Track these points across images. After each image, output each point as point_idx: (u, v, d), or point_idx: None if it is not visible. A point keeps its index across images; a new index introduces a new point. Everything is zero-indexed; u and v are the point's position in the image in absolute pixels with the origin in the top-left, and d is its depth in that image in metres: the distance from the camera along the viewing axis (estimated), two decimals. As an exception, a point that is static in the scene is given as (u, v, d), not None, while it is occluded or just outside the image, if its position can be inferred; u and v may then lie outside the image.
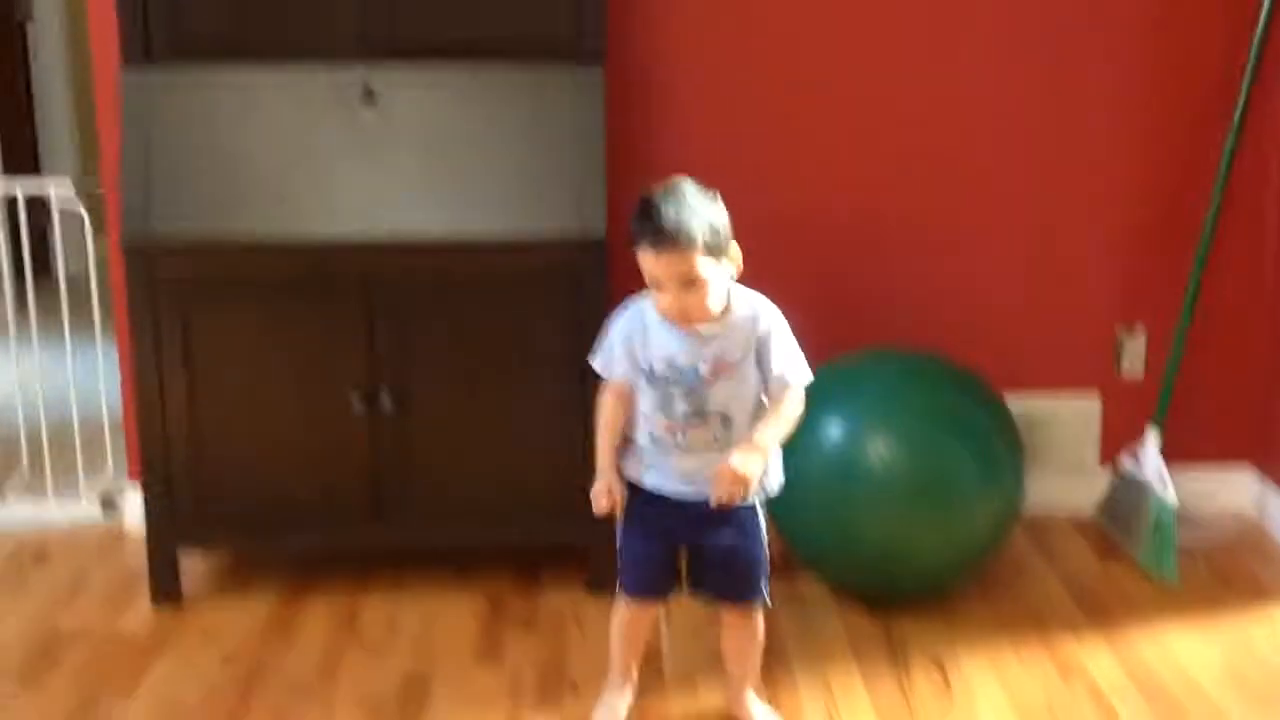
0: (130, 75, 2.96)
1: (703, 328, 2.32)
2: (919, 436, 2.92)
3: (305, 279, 3.00)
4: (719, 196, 2.33)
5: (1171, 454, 3.34)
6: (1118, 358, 3.50)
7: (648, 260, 2.26)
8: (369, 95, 2.95)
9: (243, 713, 2.68)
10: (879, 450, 2.91)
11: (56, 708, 2.70)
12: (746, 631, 2.55)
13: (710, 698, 2.68)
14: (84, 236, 3.57)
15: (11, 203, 3.71)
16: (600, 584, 3.12)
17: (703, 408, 2.34)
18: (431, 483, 3.09)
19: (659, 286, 2.28)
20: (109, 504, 3.65)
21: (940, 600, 3.06)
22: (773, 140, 3.37)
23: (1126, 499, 3.37)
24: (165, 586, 3.13)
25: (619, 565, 2.52)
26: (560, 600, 3.12)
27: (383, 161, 2.97)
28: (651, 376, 2.36)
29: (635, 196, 3.21)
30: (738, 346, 2.33)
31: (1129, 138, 3.41)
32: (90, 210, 3.60)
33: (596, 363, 2.49)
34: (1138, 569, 3.22)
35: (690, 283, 2.25)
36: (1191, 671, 2.77)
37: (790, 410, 2.37)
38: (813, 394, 3.01)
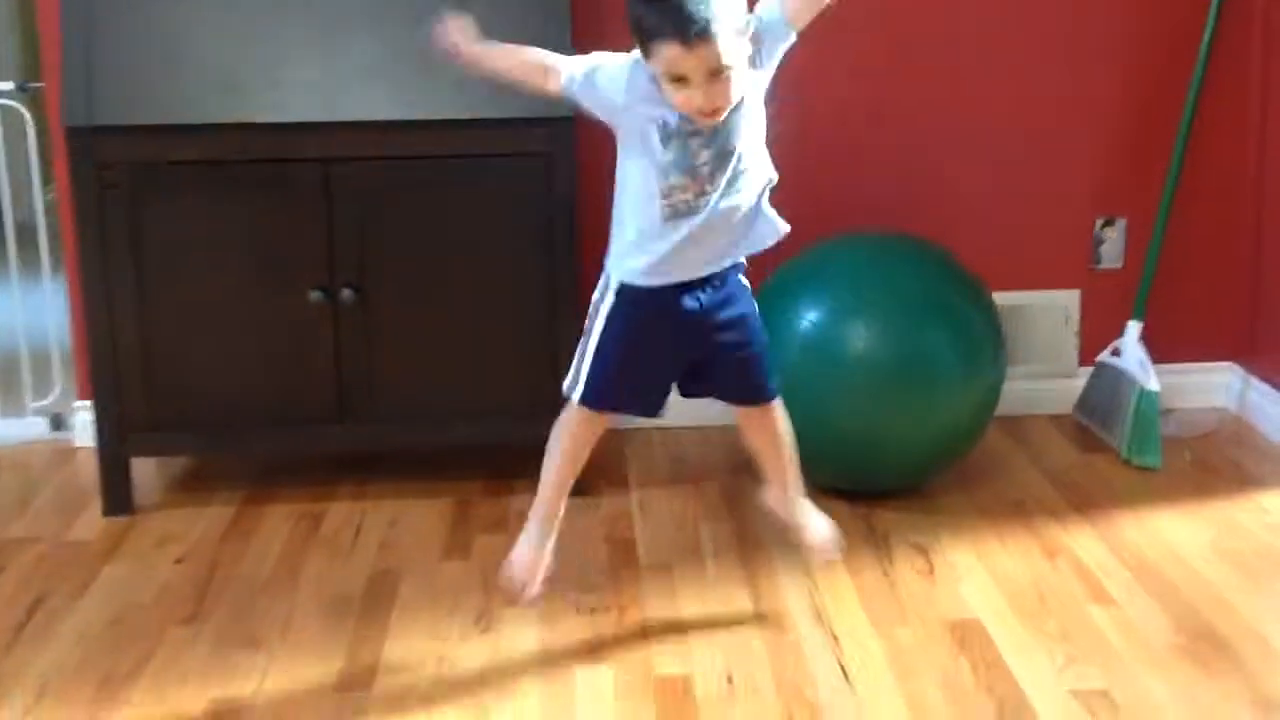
0: (71, -45, 2.84)
1: None
2: (897, 320, 2.84)
3: (257, 165, 2.88)
4: None
5: (1153, 352, 3.27)
6: (1096, 252, 3.43)
7: (672, 56, 2.02)
8: (321, -30, 2.83)
9: (199, 611, 2.57)
10: (856, 335, 2.82)
11: (4, 610, 2.58)
12: (769, 422, 2.42)
13: (689, 596, 2.59)
14: (25, 139, 3.44)
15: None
16: (572, 487, 3.03)
17: (726, 144, 2.14)
18: (396, 381, 2.99)
19: (683, 82, 2.05)
20: (58, 423, 3.53)
21: (919, 492, 2.98)
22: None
23: (1107, 391, 3.31)
24: (117, 496, 3.01)
25: (584, 371, 2.31)
26: (529, 503, 3.01)
27: (337, 43, 2.85)
28: (667, 131, 2.13)
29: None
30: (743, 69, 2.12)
31: (1109, 35, 3.33)
32: (33, 112, 3.46)
33: (565, 62, 2.26)
34: (1119, 460, 3.16)
35: (719, 72, 2.04)
36: (1179, 550, 2.71)
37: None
38: (786, 278, 2.93)
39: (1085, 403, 3.41)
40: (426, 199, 2.91)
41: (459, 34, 2.31)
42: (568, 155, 2.87)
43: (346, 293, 2.92)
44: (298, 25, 2.86)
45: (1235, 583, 2.58)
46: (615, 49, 2.27)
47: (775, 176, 2.27)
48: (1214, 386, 3.49)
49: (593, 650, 2.40)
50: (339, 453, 3.21)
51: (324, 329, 2.95)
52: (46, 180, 3.56)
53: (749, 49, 2.12)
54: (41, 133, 3.43)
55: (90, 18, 2.83)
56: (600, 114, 2.24)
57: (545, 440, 3.01)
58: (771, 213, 2.28)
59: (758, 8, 2.18)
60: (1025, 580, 2.61)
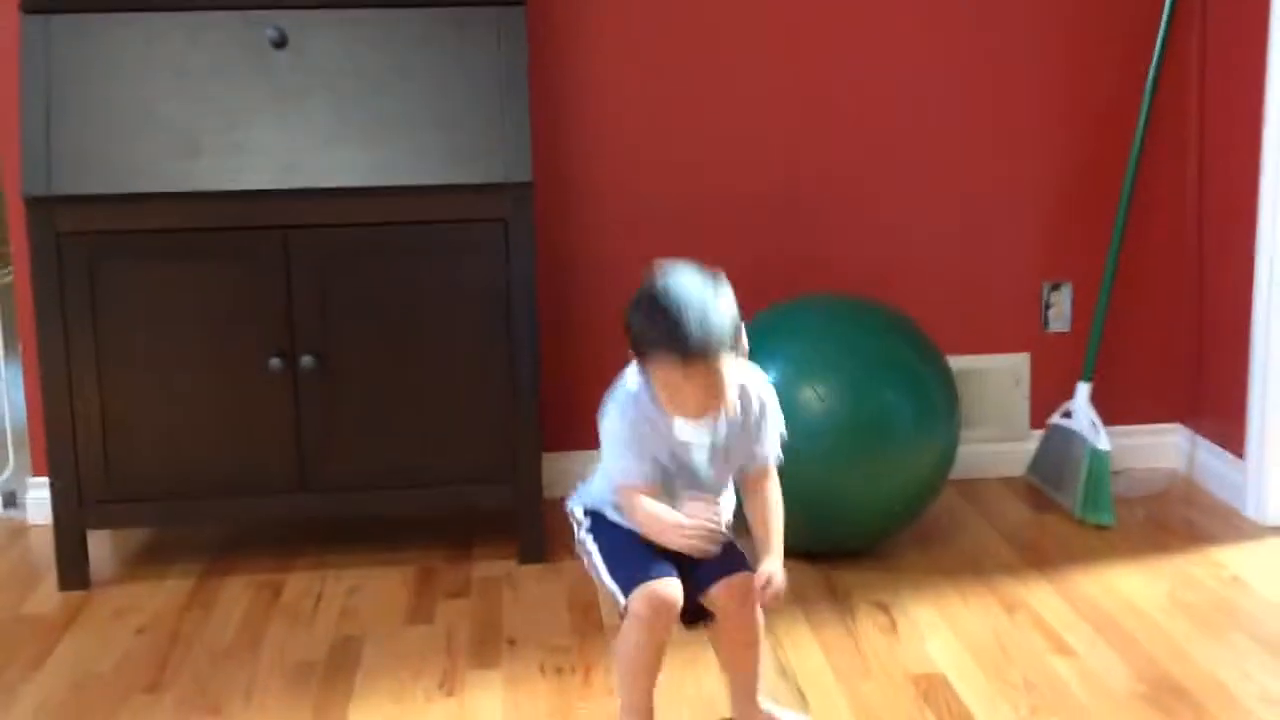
0: (30, 22, 2.85)
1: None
2: (855, 381, 2.88)
3: (218, 233, 2.90)
4: (723, 278, 2.11)
5: (1102, 413, 3.33)
6: (1045, 316, 3.50)
7: (671, 371, 2.04)
8: (281, 40, 2.86)
9: (161, 680, 2.55)
10: (816, 395, 2.86)
11: (-40, 683, 2.55)
12: (746, 618, 2.23)
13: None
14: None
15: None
16: (532, 554, 3.04)
17: (701, 487, 2.17)
18: (356, 448, 2.98)
19: (677, 392, 2.07)
20: (10, 500, 3.49)
21: (878, 552, 3.01)
22: (703, 86, 3.33)
23: (1059, 452, 3.36)
24: (73, 569, 2.98)
25: (616, 587, 2.17)
26: (492, 569, 3.02)
27: (297, 108, 2.88)
28: (655, 467, 2.15)
29: (559, 141, 3.18)
30: (741, 430, 2.17)
31: (1053, 102, 3.42)
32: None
33: (635, 479, 2.15)
34: (1073, 519, 3.20)
35: (713, 385, 2.07)
36: (1136, 602, 2.75)
37: (780, 492, 2.26)
38: (748, 338, 2.96)
39: (1038, 464, 3.46)
40: (386, 265, 2.93)
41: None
42: (526, 221, 2.90)
43: (306, 359, 2.92)
44: (256, 93, 2.88)
45: (1193, 633, 2.61)
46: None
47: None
48: (1163, 447, 3.55)
49: (558, 712, 2.39)
50: (299, 521, 3.20)
51: (283, 396, 2.95)
52: (3, 262, 3.55)
53: (740, 361, 2.13)
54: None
55: (49, 87, 2.85)
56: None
57: (506, 507, 3.05)
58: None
59: (767, 435, 2.21)
60: (987, 634, 2.63)
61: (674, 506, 2.13)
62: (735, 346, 2.09)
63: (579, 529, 2.28)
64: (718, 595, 2.21)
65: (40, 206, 2.85)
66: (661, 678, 2.21)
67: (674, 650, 2.26)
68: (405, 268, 2.93)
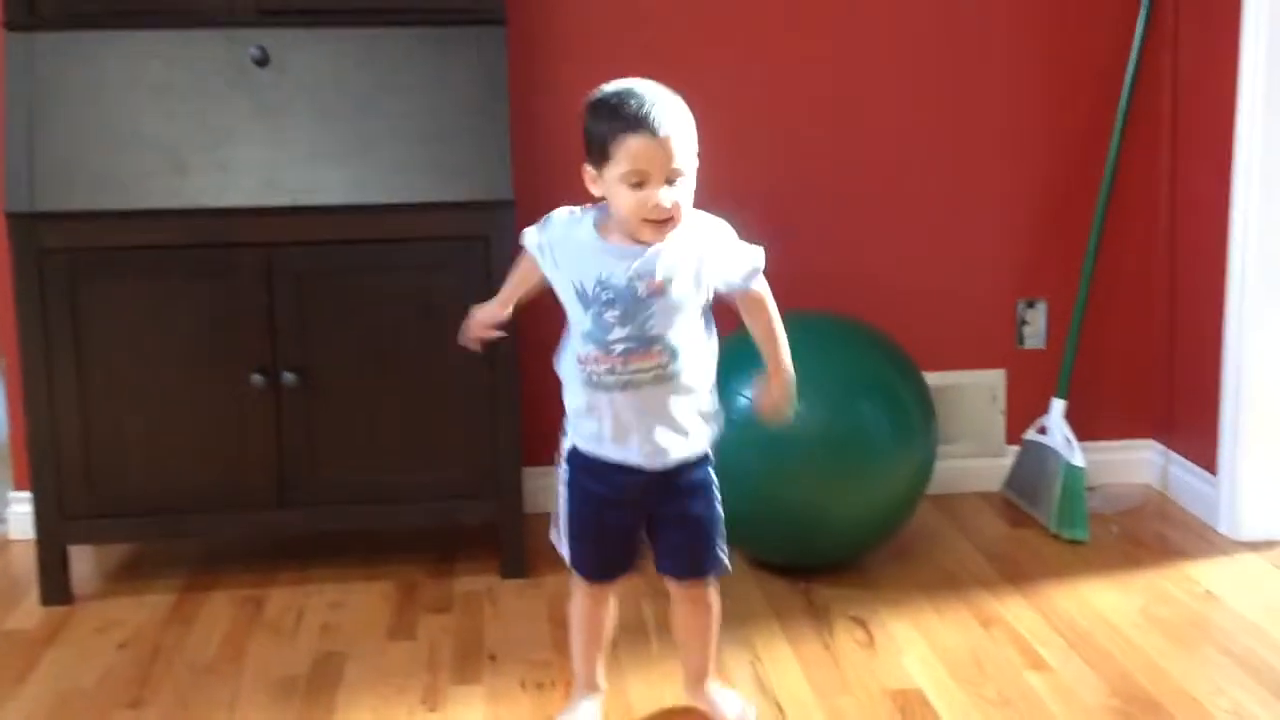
0: (14, 40, 2.87)
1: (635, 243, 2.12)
2: (832, 397, 2.90)
3: (200, 250, 2.91)
4: None
5: (1076, 429, 3.37)
6: (1020, 333, 3.54)
7: (636, 150, 2.04)
8: (263, 59, 2.88)
9: (143, 695, 2.56)
10: (796, 415, 2.87)
11: (-57, 699, 2.56)
12: (702, 605, 2.34)
13: (634, 672, 2.62)
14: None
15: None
16: (514, 569, 3.06)
17: (643, 333, 2.10)
18: (338, 464, 3.00)
19: (641, 181, 2.05)
20: (-9, 515, 3.50)
21: (856, 567, 3.04)
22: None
23: (1033, 468, 3.40)
24: (55, 585, 2.99)
25: (568, 547, 2.29)
26: (473, 584, 3.04)
27: (280, 127, 2.90)
28: (584, 296, 2.13)
29: (539, 159, 3.21)
30: (680, 258, 2.11)
31: (1027, 122, 3.47)
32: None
33: (524, 238, 2.27)
34: (1048, 534, 3.24)
35: (674, 177, 2.06)
36: (1110, 618, 2.78)
37: (777, 313, 2.25)
38: (726, 358, 2.99)
39: (1013, 479, 3.49)
40: (368, 282, 2.95)
41: (484, 322, 2.37)
42: (507, 238, 2.91)
43: (288, 376, 2.94)
44: (240, 110, 2.90)
45: (1166, 648, 2.65)
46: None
47: (719, 412, 2.27)
48: (1137, 463, 3.59)
49: (541, 728, 2.42)
50: (281, 536, 3.21)
51: (265, 412, 2.96)
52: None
53: (692, 181, 2.13)
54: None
55: (32, 104, 2.86)
56: (546, 268, 2.23)
57: (485, 520, 3.07)
58: (710, 419, 2.26)
59: (725, 262, 2.18)
60: (963, 649, 2.66)
61: (604, 355, 2.12)
62: (693, 155, 2.10)
63: (560, 453, 2.29)
64: (673, 590, 2.34)
65: (23, 222, 2.86)
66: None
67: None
68: (387, 284, 2.95)
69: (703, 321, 2.19)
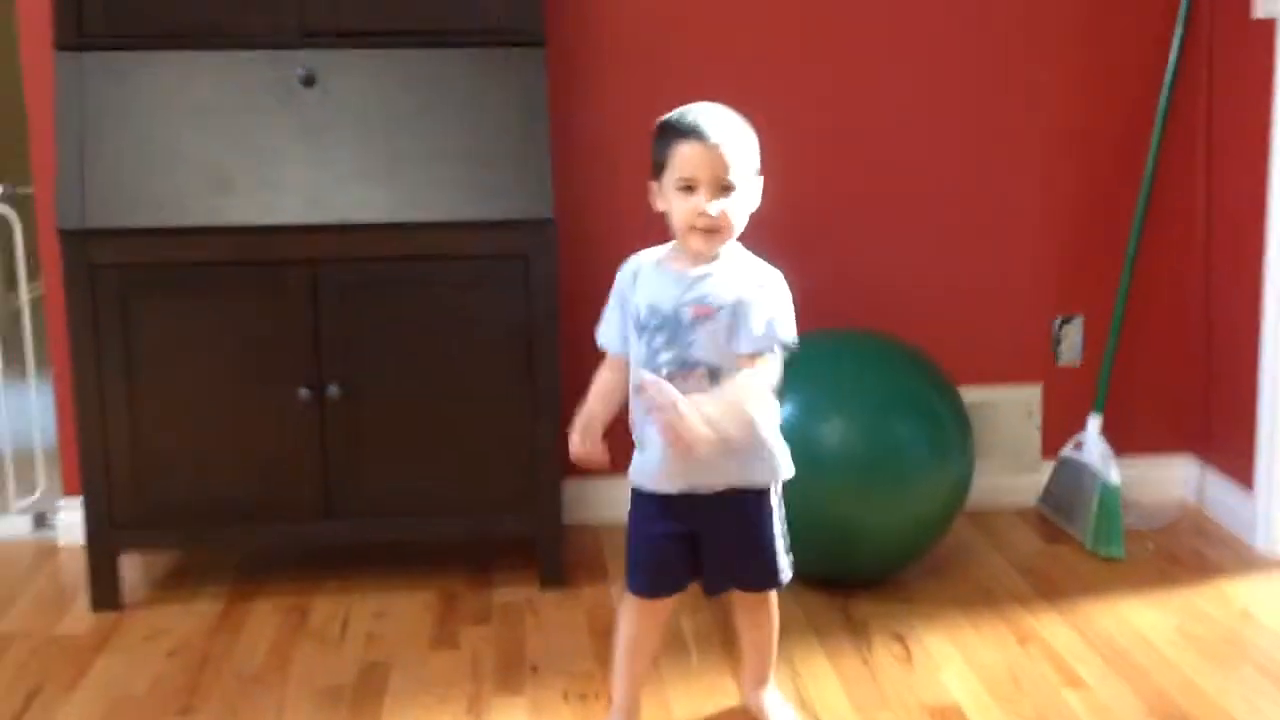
0: (64, 60, 2.92)
1: (697, 266, 2.20)
2: (870, 414, 2.94)
3: (247, 266, 2.97)
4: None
5: (1112, 443, 3.39)
6: (1056, 349, 3.56)
7: (687, 156, 2.14)
8: (309, 79, 2.93)
9: (193, 703, 2.61)
10: (831, 430, 2.91)
11: (0, 702, 2.61)
12: (762, 612, 2.43)
13: (675, 685, 2.65)
14: (12, 243, 3.51)
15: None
16: (553, 580, 3.10)
17: (685, 355, 2.17)
18: (381, 475, 3.05)
19: (691, 187, 2.15)
20: (41, 521, 3.56)
21: (893, 582, 3.06)
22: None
23: (1070, 484, 3.41)
24: (105, 591, 3.04)
25: (630, 564, 2.35)
26: (513, 595, 3.08)
27: (324, 146, 2.95)
28: (639, 324, 2.23)
29: (579, 178, 3.25)
30: (725, 290, 2.18)
31: (1062, 138, 3.49)
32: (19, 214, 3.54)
33: (599, 335, 2.35)
34: (1084, 550, 3.26)
35: (725, 188, 2.15)
36: (1147, 635, 2.80)
37: (757, 386, 2.19)
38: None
39: (1049, 496, 3.51)
40: (411, 298, 3.00)
41: (579, 437, 2.31)
42: (548, 256, 2.97)
43: (333, 390, 2.99)
44: (285, 129, 2.95)
45: (1202, 666, 2.67)
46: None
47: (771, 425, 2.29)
48: (1173, 478, 3.61)
49: (583, 740, 2.46)
50: (324, 546, 3.26)
51: (311, 425, 3.01)
52: (32, 277, 3.61)
53: (753, 194, 2.23)
54: (29, 235, 3.50)
55: (83, 123, 2.91)
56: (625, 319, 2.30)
57: (526, 532, 3.12)
58: (773, 451, 2.29)
59: (756, 310, 2.19)
60: (1000, 666, 2.69)
61: (654, 369, 2.17)
62: (751, 166, 2.20)
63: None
64: (736, 599, 2.43)
65: (74, 239, 2.92)
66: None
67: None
68: (430, 301, 3.00)
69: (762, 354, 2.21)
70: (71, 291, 2.94)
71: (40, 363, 3.58)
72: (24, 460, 3.63)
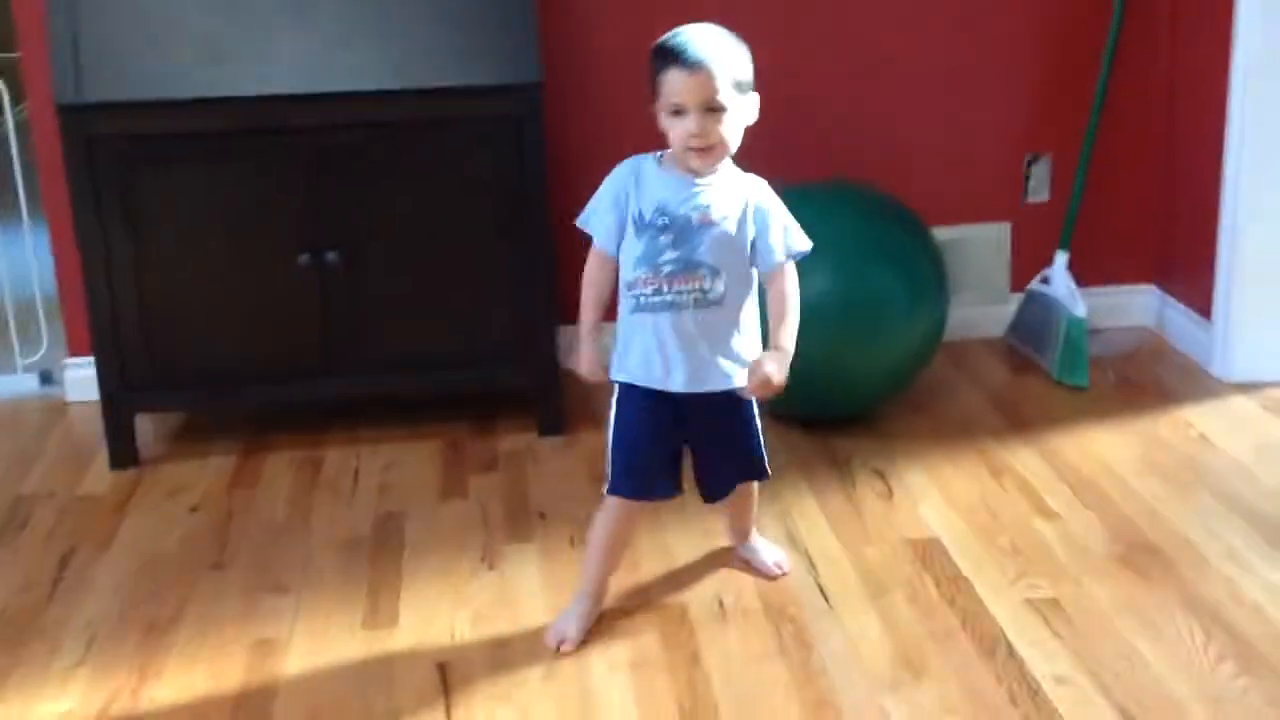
0: (57, -66, 2.94)
1: (699, 176, 2.30)
2: (848, 262, 3.07)
3: (243, 136, 3.04)
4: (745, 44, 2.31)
5: (1078, 276, 3.55)
6: (1025, 187, 3.69)
7: (675, 82, 2.22)
8: (299, -51, 2.97)
9: (224, 558, 2.77)
10: (811, 278, 3.03)
11: (37, 566, 2.76)
12: (747, 491, 2.61)
13: (675, 528, 2.82)
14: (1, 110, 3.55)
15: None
16: (551, 427, 3.26)
17: (691, 256, 2.29)
18: (380, 334, 3.18)
19: (680, 111, 2.24)
20: (48, 378, 3.67)
21: (874, 418, 3.24)
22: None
23: (1037, 317, 3.58)
24: (122, 450, 3.18)
25: (613, 463, 2.42)
26: (515, 443, 3.24)
27: (314, 16, 3.00)
28: (640, 223, 2.31)
29: (568, 41, 3.31)
30: (729, 201, 2.31)
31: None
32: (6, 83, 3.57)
33: (580, 220, 2.40)
34: (1050, 380, 3.44)
35: (714, 109, 2.23)
36: (1112, 465, 3.00)
37: (796, 298, 2.36)
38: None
39: (1017, 328, 3.68)
40: (405, 163, 3.09)
41: (587, 366, 2.41)
42: (536, 119, 3.05)
43: (332, 255, 3.09)
44: (275, 1, 2.99)
45: (1164, 493, 2.87)
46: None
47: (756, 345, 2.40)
48: (1136, 306, 3.78)
49: (593, 584, 2.64)
50: (329, 401, 3.39)
51: (311, 288, 3.13)
52: (24, 151, 3.64)
53: (747, 114, 2.29)
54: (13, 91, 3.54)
55: (75, -3, 2.95)
56: (620, 216, 2.35)
57: (523, 384, 3.26)
58: (739, 363, 2.37)
59: (772, 229, 2.33)
60: (975, 499, 2.88)
61: (654, 277, 2.29)
62: (742, 85, 2.26)
63: (614, 382, 2.44)
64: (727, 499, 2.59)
65: (71, 113, 2.97)
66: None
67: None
68: (423, 165, 3.08)
69: (749, 263, 2.35)
70: (70, 164, 3.01)
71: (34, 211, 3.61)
72: (23, 313, 3.71)
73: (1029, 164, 3.67)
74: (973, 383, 3.47)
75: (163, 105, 2.99)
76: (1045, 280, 3.60)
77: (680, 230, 2.30)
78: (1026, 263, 3.69)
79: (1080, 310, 3.44)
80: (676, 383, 2.36)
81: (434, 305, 3.18)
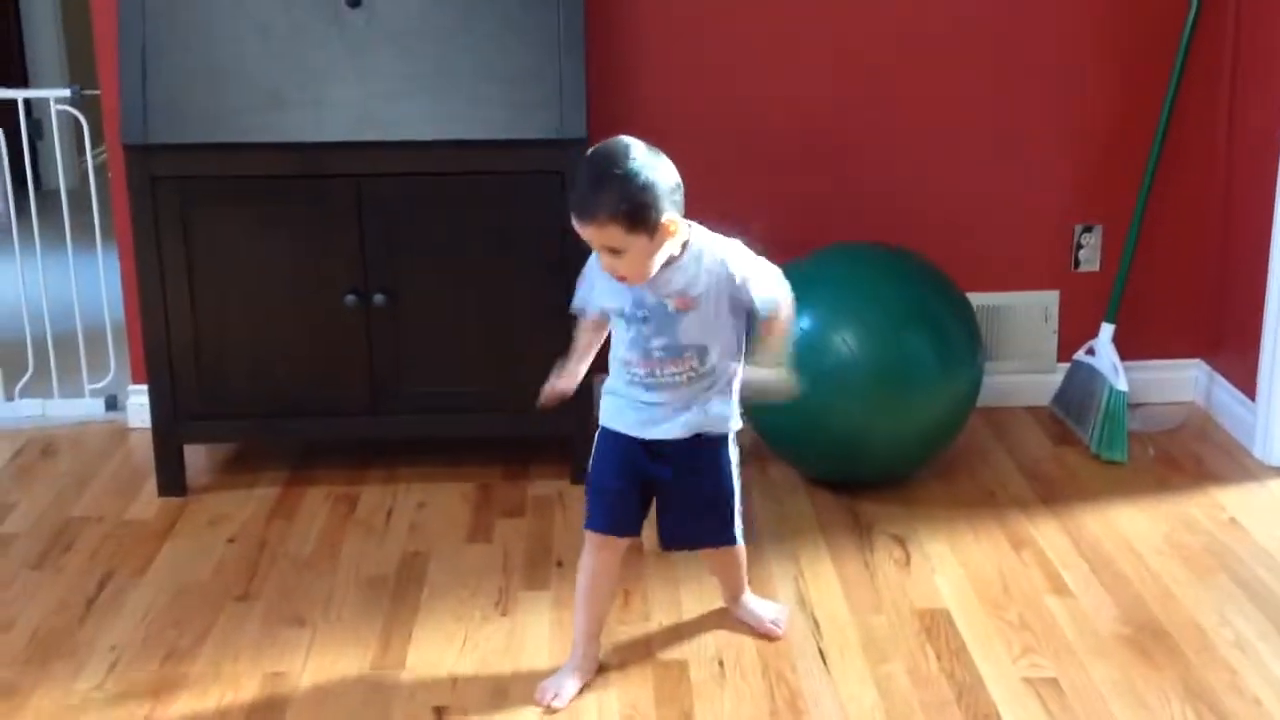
0: (127, -16, 3.09)
1: (664, 266, 2.33)
2: (881, 328, 3.09)
3: (298, 180, 3.16)
4: (663, 158, 2.30)
5: (1125, 349, 3.53)
6: (1075, 257, 3.68)
7: (576, 227, 2.30)
8: (354, 0, 3.08)
9: (250, 590, 2.87)
10: (844, 342, 3.07)
11: (75, 587, 2.88)
12: (727, 555, 2.63)
13: (688, 582, 2.87)
14: (79, 145, 3.70)
15: (7, 113, 3.81)
16: (583, 475, 3.29)
17: (675, 341, 2.35)
18: (423, 376, 3.26)
19: (593, 247, 2.33)
20: (112, 404, 3.82)
21: (903, 483, 3.25)
22: (742, 41, 3.52)
23: (1080, 388, 3.57)
24: (171, 478, 3.30)
25: (588, 495, 2.54)
26: (546, 489, 3.31)
27: (369, 64, 3.11)
28: (626, 316, 2.39)
29: (614, 96, 3.38)
30: (699, 283, 2.34)
31: (1087, 44, 3.56)
32: (87, 118, 3.73)
33: (574, 304, 2.52)
34: (1089, 453, 3.43)
35: (613, 251, 2.28)
36: (1135, 543, 2.98)
37: (786, 316, 2.43)
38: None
39: (1061, 397, 3.67)
40: (451, 212, 3.18)
41: (562, 386, 2.57)
42: (581, 173, 3.12)
43: (378, 297, 3.19)
44: (333, 49, 3.10)
45: (1182, 576, 2.84)
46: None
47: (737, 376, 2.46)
48: (1182, 381, 3.75)
49: (602, 633, 2.67)
50: (371, 440, 3.49)
51: (357, 329, 3.23)
52: (101, 177, 3.80)
53: (662, 240, 2.28)
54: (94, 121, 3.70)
55: (144, 43, 3.08)
56: (596, 309, 2.49)
57: (558, 432, 3.33)
58: (732, 406, 2.46)
59: (752, 284, 2.37)
60: (992, 571, 2.88)
61: (645, 360, 2.38)
62: (641, 223, 2.24)
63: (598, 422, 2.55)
64: (705, 559, 2.69)
65: (137, 153, 3.11)
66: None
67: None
68: (469, 214, 3.18)
69: (732, 322, 2.40)
70: (135, 202, 3.15)
71: (108, 238, 3.75)
72: (93, 338, 3.86)
73: (1081, 233, 3.66)
74: (1010, 451, 3.46)
75: (222, 148, 3.11)
76: (1091, 351, 3.59)
77: (660, 319, 2.36)
78: (1075, 332, 3.68)
79: (1122, 384, 3.42)
80: (653, 432, 2.44)
81: (475, 349, 3.26)
